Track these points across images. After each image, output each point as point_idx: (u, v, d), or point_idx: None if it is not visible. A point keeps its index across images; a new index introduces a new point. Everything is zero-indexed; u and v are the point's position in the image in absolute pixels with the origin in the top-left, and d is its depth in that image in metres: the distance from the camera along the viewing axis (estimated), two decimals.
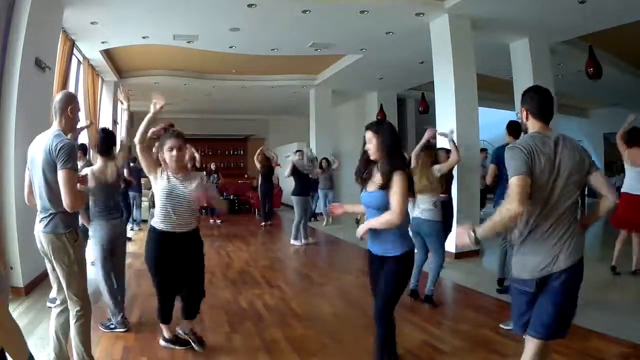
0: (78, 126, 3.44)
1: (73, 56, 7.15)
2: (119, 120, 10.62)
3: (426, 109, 11.47)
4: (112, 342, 3.41)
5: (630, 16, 6.45)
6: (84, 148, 5.13)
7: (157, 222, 3.13)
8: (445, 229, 5.12)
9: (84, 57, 8.16)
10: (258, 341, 3.46)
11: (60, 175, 2.46)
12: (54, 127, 2.62)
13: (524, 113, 2.23)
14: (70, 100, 2.67)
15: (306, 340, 3.51)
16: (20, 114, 4.50)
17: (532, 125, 2.20)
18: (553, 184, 2.07)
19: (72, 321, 2.67)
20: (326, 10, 6.48)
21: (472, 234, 2.05)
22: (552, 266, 2.06)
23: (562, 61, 8.80)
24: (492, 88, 10.21)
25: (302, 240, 7.89)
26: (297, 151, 8.65)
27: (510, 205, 1.97)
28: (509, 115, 6.74)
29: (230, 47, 8.24)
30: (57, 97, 2.68)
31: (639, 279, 5.08)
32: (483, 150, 8.11)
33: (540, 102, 2.19)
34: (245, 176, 16.26)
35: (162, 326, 3.34)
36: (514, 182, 2.01)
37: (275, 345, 3.41)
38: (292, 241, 7.94)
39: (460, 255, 6.27)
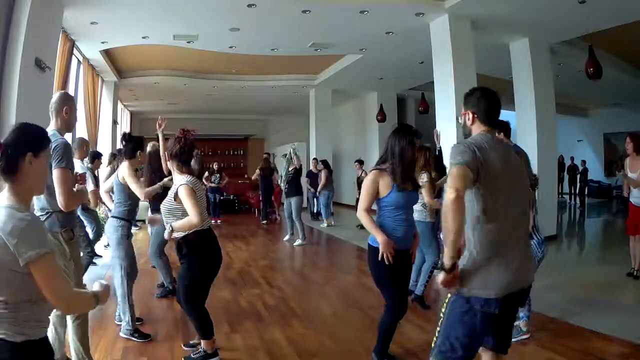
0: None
1: (73, 56, 7.14)
2: (118, 121, 10.62)
3: (426, 109, 11.45)
4: (112, 342, 3.41)
5: (630, 16, 6.45)
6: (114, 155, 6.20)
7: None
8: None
9: (84, 57, 8.15)
10: (258, 341, 3.46)
11: (55, 174, 2.46)
12: (50, 128, 2.62)
13: (469, 116, 2.04)
14: (65, 101, 2.68)
15: (306, 340, 3.51)
16: (20, 114, 4.48)
17: (477, 128, 2.03)
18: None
19: (69, 320, 2.67)
20: (326, 10, 6.48)
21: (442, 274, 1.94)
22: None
23: (562, 61, 8.79)
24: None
25: (300, 240, 7.86)
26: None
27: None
28: (509, 116, 6.73)
29: (230, 47, 8.24)
30: (54, 97, 2.70)
31: (639, 280, 5.08)
32: None
33: (488, 105, 2.03)
34: (245, 176, 16.28)
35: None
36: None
37: (275, 345, 3.42)
38: (298, 241, 7.92)
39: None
